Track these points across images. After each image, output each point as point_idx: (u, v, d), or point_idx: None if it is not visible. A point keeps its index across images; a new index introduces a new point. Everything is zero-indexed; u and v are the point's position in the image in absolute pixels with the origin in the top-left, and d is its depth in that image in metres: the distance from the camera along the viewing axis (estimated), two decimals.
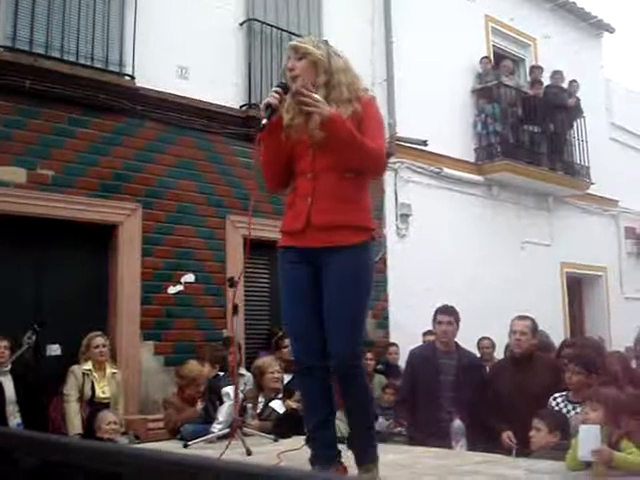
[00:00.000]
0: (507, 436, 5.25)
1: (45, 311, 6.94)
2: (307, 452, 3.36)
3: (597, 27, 15.16)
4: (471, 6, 12.26)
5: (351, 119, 3.22)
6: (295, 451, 3.74)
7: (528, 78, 13.25)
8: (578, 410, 4.57)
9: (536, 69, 13.13)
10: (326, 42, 3.50)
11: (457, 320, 6.06)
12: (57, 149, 7.25)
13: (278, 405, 5.90)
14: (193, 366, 6.38)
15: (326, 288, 3.29)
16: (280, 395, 6.06)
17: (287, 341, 7.38)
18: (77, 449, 1.10)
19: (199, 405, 5.82)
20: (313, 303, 3.33)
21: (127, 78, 7.68)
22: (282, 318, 3.59)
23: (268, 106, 3.24)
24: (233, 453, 4.58)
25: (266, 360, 6.41)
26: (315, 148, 3.30)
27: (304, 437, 3.61)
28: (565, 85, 13.17)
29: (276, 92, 3.30)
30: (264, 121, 3.22)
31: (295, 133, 3.34)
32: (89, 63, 7.45)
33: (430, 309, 6.23)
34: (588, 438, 3.62)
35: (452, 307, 6.09)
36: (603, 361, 5.39)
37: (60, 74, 7.17)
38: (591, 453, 3.58)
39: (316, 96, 3.17)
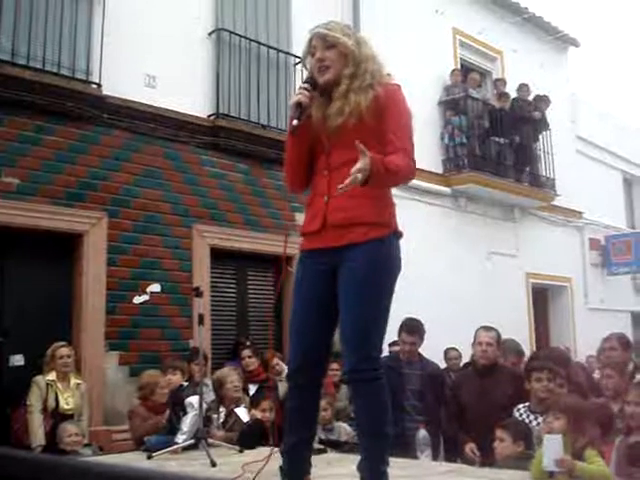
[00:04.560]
0: (470, 448, 5.28)
1: (8, 321, 6.85)
2: (277, 460, 3.32)
3: (563, 41, 15.37)
4: (439, 19, 12.36)
5: (372, 106, 3.07)
6: (260, 462, 3.71)
7: (494, 91, 13.39)
8: (540, 420, 4.61)
9: (499, 82, 13.29)
10: (350, 27, 3.34)
11: (421, 337, 6.10)
12: (22, 157, 7.16)
13: (243, 413, 5.87)
14: (151, 375, 6.34)
15: (342, 288, 3.09)
16: (243, 405, 6.03)
17: (246, 352, 7.39)
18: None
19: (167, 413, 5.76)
20: (323, 313, 3.16)
21: (94, 86, 7.62)
22: (288, 325, 3.32)
23: (298, 105, 3.05)
24: (197, 464, 4.55)
25: (224, 371, 6.38)
26: (330, 144, 3.15)
27: (275, 448, 3.57)
28: (531, 98, 13.32)
29: (305, 89, 3.11)
30: (295, 122, 3.04)
31: (315, 128, 3.18)
32: (55, 70, 7.37)
33: (397, 319, 6.22)
34: (552, 448, 3.65)
35: (416, 325, 6.10)
36: (569, 371, 5.45)
37: (26, 81, 7.09)
38: (554, 462, 3.60)
39: (353, 177, 2.86)
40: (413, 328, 6.07)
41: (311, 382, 3.23)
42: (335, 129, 3.11)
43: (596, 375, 6.14)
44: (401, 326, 6.09)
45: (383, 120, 3.11)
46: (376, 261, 3.09)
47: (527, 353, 7.73)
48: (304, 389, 3.23)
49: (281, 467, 3.26)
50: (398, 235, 3.22)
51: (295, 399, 3.27)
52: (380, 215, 3.16)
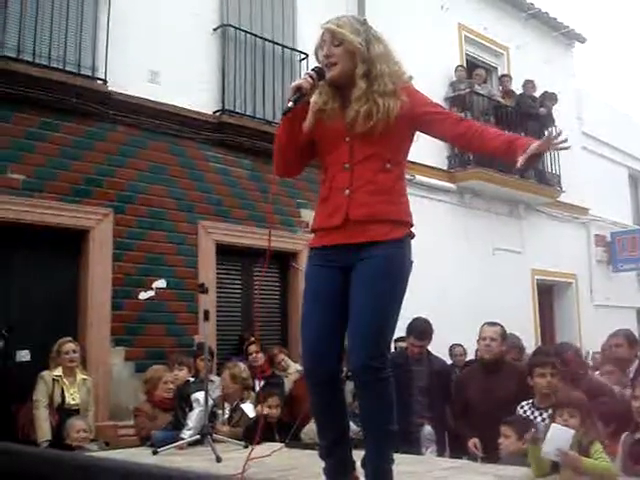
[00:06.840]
0: (473, 444, 5.26)
1: (14, 316, 6.86)
2: (280, 455, 3.32)
3: (569, 37, 15.39)
4: (444, 15, 12.35)
5: (399, 113, 3.05)
6: (265, 458, 3.72)
7: (500, 87, 13.37)
8: (545, 416, 4.60)
9: (504, 78, 13.27)
10: (364, 22, 3.25)
11: (430, 339, 6.09)
12: (28, 153, 7.18)
13: (249, 408, 5.88)
14: (155, 370, 6.36)
15: (357, 283, 3.04)
16: (249, 400, 6.04)
17: (253, 347, 7.40)
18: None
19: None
20: (336, 310, 3.08)
21: (99, 82, 7.64)
22: (300, 322, 3.21)
23: (298, 89, 2.99)
24: (203, 460, 4.57)
25: (238, 365, 6.41)
26: (353, 137, 3.08)
27: (278, 444, 3.57)
28: (538, 95, 13.30)
29: (309, 76, 3.05)
30: (290, 104, 2.97)
31: (328, 119, 3.11)
32: (61, 67, 7.38)
33: (402, 315, 6.21)
34: (558, 438, 3.60)
35: (425, 330, 6.06)
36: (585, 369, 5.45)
37: (32, 77, 7.11)
38: (555, 452, 3.57)
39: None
40: (423, 334, 6.03)
41: (330, 376, 3.13)
42: (361, 130, 3.06)
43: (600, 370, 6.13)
44: (410, 329, 6.05)
45: (412, 114, 3.11)
46: (395, 260, 3.05)
47: (533, 350, 7.72)
48: (325, 385, 3.13)
49: (324, 469, 3.19)
50: (412, 235, 3.18)
51: (317, 396, 3.17)
52: (401, 213, 3.13)
